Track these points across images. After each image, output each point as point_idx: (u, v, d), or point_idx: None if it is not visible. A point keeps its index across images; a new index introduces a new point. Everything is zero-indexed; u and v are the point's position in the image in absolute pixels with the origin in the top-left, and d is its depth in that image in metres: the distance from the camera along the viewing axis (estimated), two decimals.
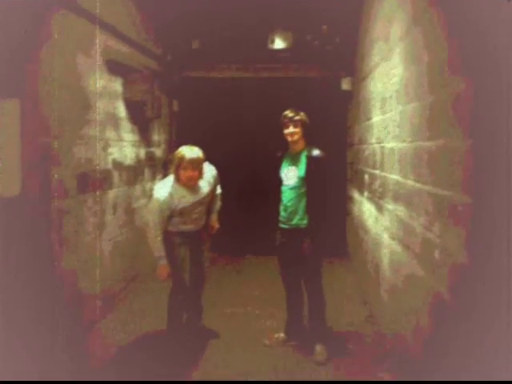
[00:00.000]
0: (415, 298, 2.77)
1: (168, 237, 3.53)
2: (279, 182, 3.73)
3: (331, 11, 6.16)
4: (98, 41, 4.17)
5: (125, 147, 4.97)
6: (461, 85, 2.05)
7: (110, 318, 4.31)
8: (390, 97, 3.58)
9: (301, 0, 6.02)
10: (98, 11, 4.05)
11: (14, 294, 2.86)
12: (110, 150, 4.54)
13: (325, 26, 6.39)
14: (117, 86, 4.76)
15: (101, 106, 4.30)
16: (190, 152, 3.43)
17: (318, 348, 3.63)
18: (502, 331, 1.66)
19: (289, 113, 3.63)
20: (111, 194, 4.57)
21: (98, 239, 4.23)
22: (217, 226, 4.00)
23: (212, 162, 3.78)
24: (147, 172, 5.82)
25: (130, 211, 5.16)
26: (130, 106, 5.04)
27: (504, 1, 1.65)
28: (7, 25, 2.78)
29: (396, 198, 3.35)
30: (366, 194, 4.92)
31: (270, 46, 6.48)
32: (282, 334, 3.91)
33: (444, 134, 2.28)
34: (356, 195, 5.77)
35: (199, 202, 3.60)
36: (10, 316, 2.81)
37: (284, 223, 3.72)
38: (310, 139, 3.72)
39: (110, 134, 4.55)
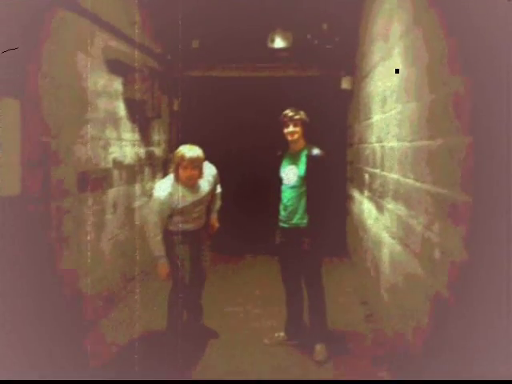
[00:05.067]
0: (415, 298, 2.76)
1: (168, 236, 3.53)
2: (279, 181, 3.73)
3: (331, 10, 6.16)
4: (97, 40, 4.17)
5: (125, 146, 4.97)
6: (460, 84, 2.05)
7: (109, 318, 4.32)
8: (390, 96, 3.58)
9: None
10: (97, 11, 4.05)
11: (14, 293, 2.86)
12: (110, 149, 4.54)
13: (325, 25, 6.39)
14: (117, 85, 4.76)
15: (101, 105, 4.30)
16: (190, 151, 3.43)
17: (318, 347, 3.64)
18: (501, 330, 1.66)
19: (289, 112, 3.63)
20: (111, 193, 4.57)
21: (97, 238, 4.24)
22: (217, 225, 4.00)
23: (212, 162, 3.79)
24: (147, 171, 5.82)
25: (130, 210, 5.16)
26: (130, 105, 5.04)
27: (504, 1, 1.65)
28: (7, 25, 2.78)
29: (396, 197, 3.34)
30: (365, 193, 4.92)
31: (270, 45, 6.47)
32: (281, 334, 3.91)
33: (444, 133, 2.28)
34: (356, 194, 5.76)
35: (199, 201, 3.60)
36: (10, 316, 2.81)
37: (284, 222, 3.72)
38: (309, 138, 3.72)
39: (110, 133, 4.55)
